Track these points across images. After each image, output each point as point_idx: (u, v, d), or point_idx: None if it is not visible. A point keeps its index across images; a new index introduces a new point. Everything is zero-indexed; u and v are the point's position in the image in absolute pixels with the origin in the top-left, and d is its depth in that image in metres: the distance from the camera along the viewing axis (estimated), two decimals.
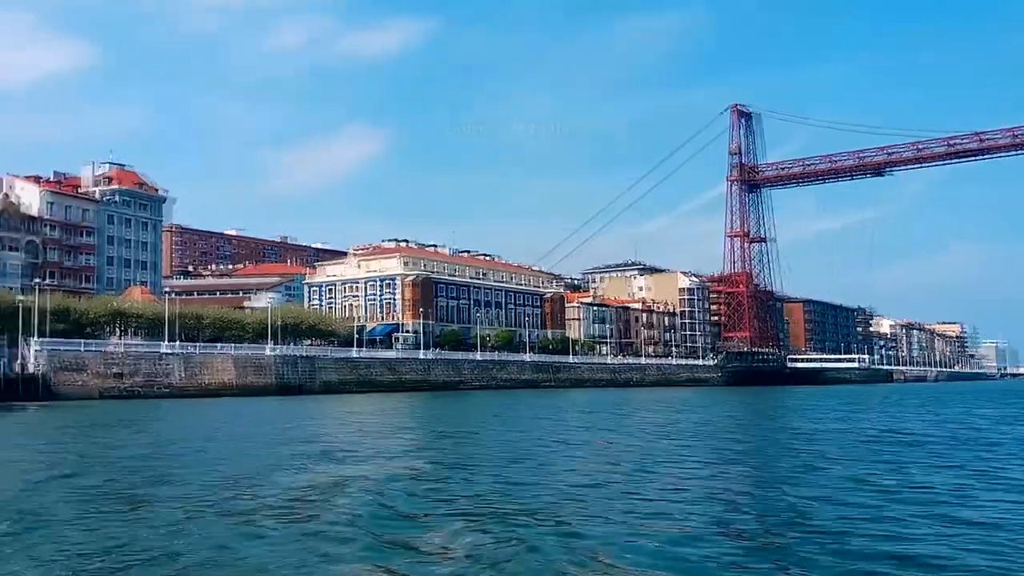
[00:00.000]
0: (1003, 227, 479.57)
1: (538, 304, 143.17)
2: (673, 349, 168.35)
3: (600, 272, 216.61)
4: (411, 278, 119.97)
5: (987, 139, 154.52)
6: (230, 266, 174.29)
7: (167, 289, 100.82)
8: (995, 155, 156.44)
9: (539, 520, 14.22)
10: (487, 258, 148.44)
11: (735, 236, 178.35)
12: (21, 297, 71.28)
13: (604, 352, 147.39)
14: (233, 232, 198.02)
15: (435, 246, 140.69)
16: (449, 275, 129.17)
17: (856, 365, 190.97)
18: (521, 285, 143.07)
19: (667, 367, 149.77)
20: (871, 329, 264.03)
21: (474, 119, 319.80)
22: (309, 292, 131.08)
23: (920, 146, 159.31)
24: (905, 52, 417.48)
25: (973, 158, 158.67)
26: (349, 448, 27.85)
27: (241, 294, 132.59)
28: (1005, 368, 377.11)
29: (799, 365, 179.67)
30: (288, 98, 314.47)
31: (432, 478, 19.92)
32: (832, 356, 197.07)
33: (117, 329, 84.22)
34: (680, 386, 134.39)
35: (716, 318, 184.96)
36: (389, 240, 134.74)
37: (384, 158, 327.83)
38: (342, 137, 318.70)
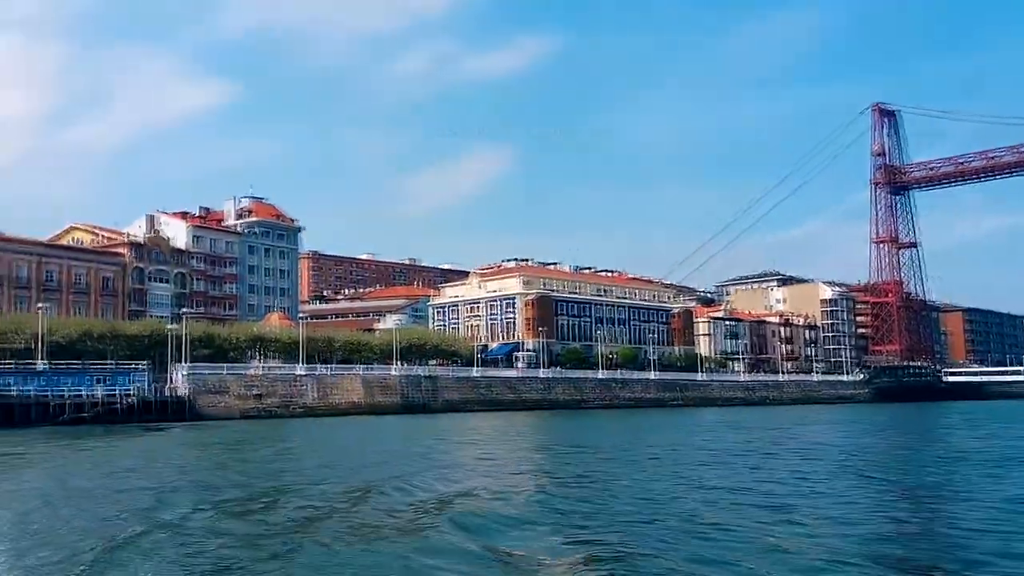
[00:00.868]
0: None
1: (664, 320, 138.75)
2: (814, 364, 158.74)
3: (734, 284, 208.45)
4: (530, 297, 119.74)
5: None
6: (361, 289, 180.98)
7: (302, 314, 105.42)
8: None
9: None
10: (609, 274, 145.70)
11: (881, 242, 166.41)
12: (171, 326, 76.82)
13: (736, 369, 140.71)
14: (365, 256, 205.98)
15: (556, 264, 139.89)
16: (569, 292, 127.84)
17: None
18: (645, 300, 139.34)
19: (807, 383, 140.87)
20: None
21: (599, 129, 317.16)
22: (433, 313, 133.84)
23: None
24: None
25: None
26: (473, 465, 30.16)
27: (371, 316, 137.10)
28: None
29: (957, 379, 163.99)
30: (415, 123, 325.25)
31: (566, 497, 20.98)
32: (996, 368, 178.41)
33: (257, 353, 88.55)
34: (822, 404, 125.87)
35: (862, 331, 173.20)
36: (510, 260, 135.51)
37: (509, 175, 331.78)
38: (468, 157, 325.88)
